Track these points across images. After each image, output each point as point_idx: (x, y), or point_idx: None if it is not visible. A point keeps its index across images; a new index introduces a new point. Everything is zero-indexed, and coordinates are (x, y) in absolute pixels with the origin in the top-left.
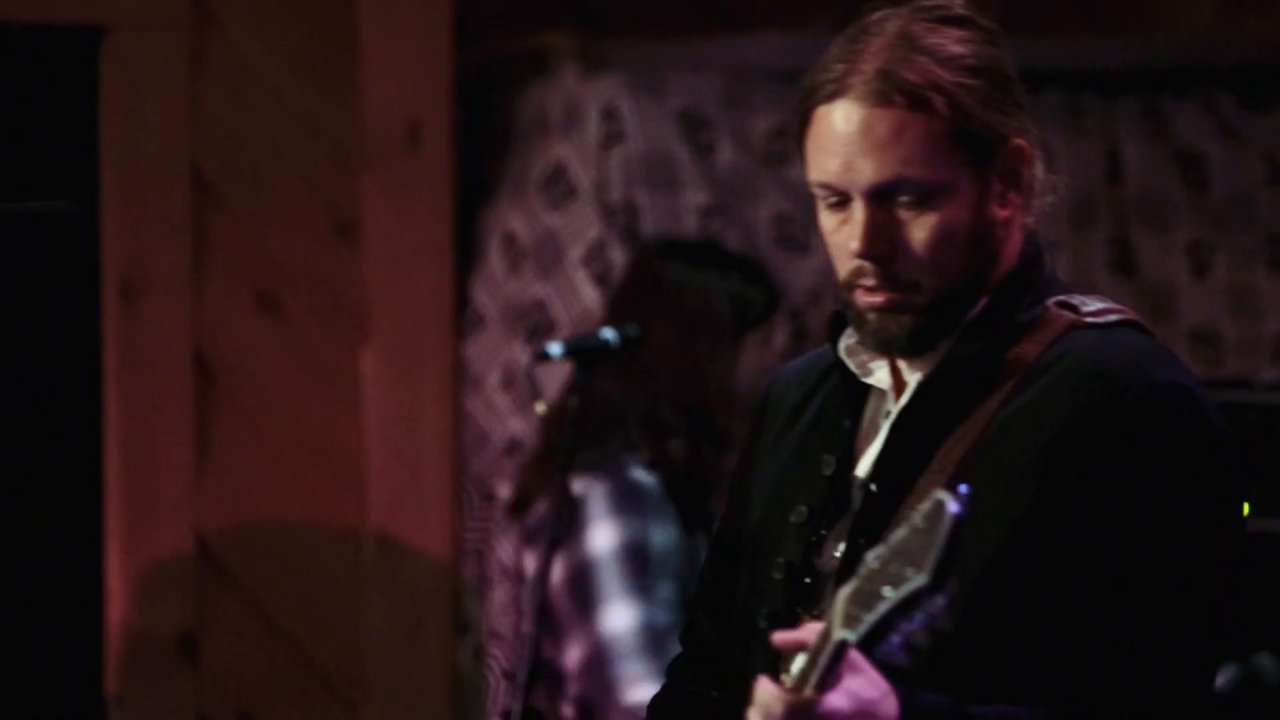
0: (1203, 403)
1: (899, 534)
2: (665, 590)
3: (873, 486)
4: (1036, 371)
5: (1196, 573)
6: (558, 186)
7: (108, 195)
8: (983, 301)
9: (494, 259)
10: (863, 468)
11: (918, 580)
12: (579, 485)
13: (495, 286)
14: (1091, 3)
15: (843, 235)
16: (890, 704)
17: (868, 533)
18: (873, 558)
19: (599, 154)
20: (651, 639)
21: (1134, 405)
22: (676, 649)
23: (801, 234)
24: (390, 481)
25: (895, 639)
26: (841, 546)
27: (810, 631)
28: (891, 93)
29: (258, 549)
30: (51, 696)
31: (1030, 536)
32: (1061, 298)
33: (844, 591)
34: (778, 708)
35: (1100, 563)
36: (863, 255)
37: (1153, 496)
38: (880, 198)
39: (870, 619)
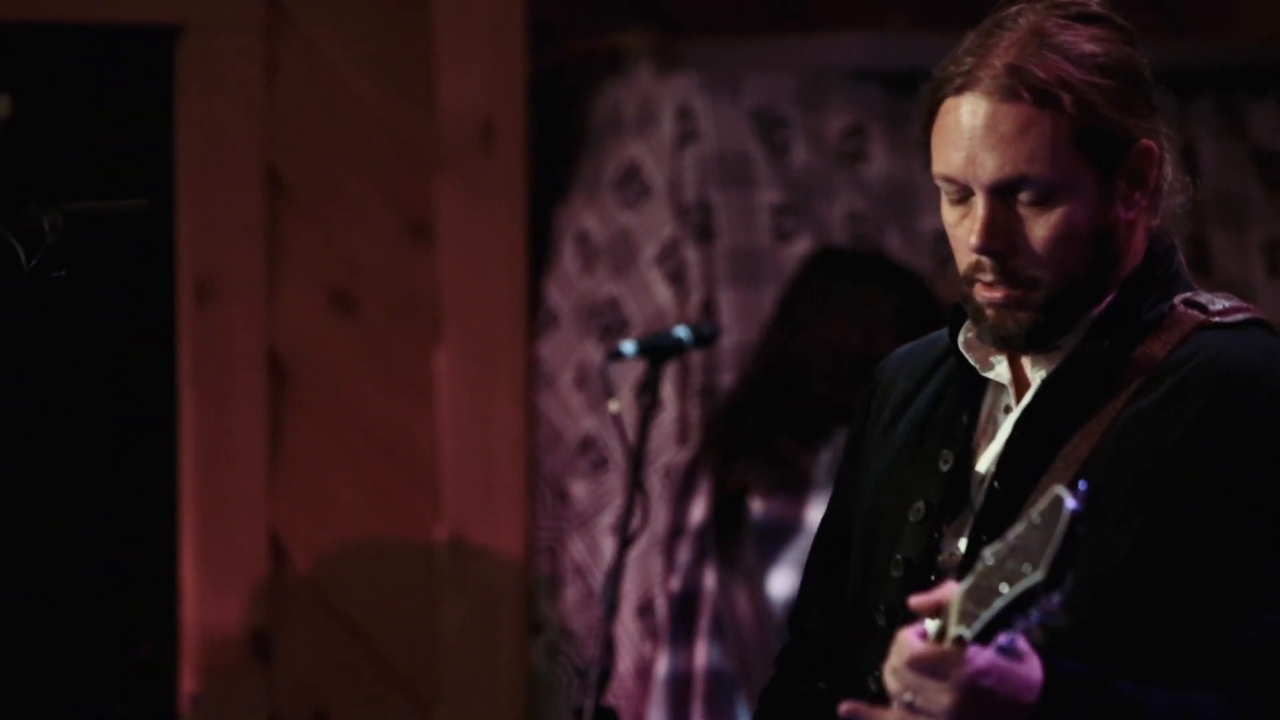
0: None
1: (1016, 530)
2: None
3: (996, 484)
4: (1164, 371)
5: None
6: (632, 185)
7: (183, 195)
8: (1109, 298)
9: (567, 258)
10: (983, 464)
11: (1034, 577)
12: (759, 505)
13: (569, 285)
14: (1168, 2)
15: (964, 229)
16: (1035, 666)
17: (990, 530)
18: (989, 554)
19: (673, 153)
20: None
21: (1264, 408)
22: None
23: (875, 233)
24: (464, 480)
25: (1010, 635)
26: (962, 543)
27: (948, 590)
28: (1020, 88)
29: (331, 548)
30: (127, 696)
31: (1157, 539)
32: (1189, 295)
33: (960, 587)
34: (927, 655)
35: (1228, 567)
36: (981, 250)
37: (1275, 496)
38: (1001, 193)
39: (986, 616)
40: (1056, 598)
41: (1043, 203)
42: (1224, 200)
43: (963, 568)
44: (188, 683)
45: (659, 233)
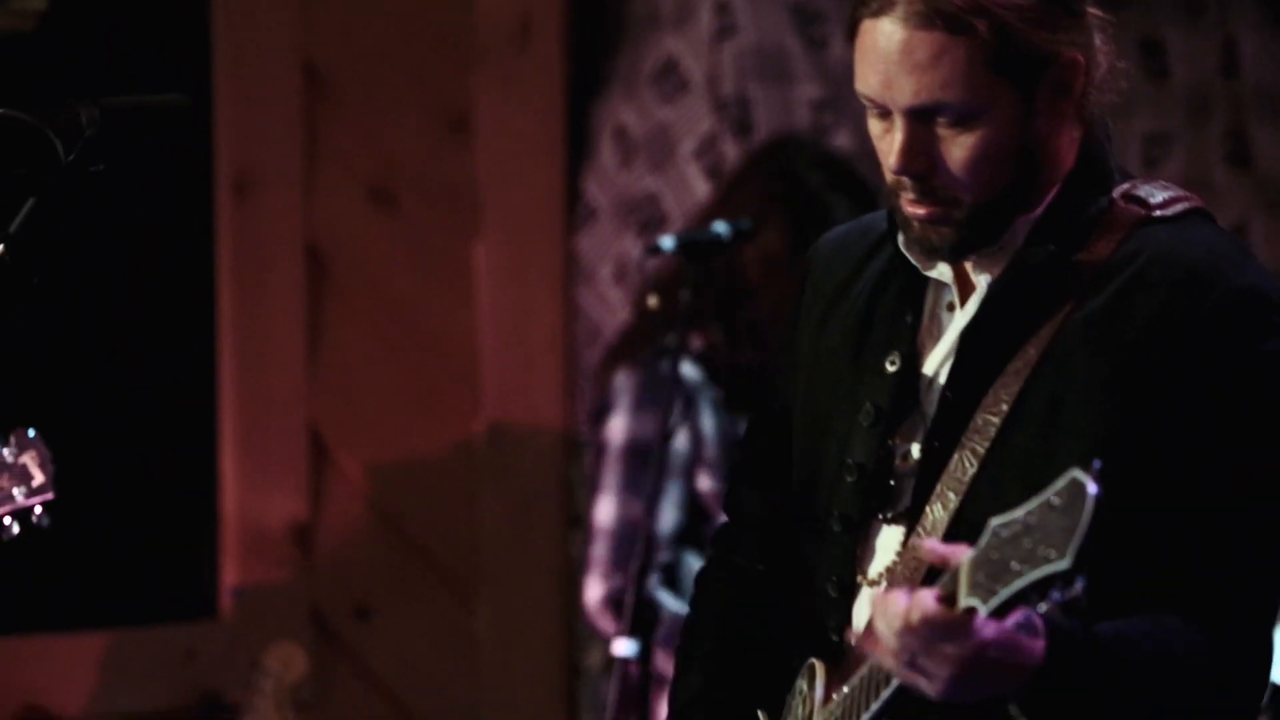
0: None
1: (1029, 507)
2: (674, 492)
3: (948, 393)
4: (1109, 272)
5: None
6: (669, 80)
7: (221, 89)
8: (1045, 201)
9: (605, 153)
10: (930, 365)
11: (1059, 564)
12: (619, 377)
13: (607, 180)
14: None
15: (885, 144)
16: (1039, 639)
17: (943, 437)
18: (1001, 527)
19: (711, 47)
20: (618, 537)
21: (1215, 313)
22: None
23: None
24: (503, 374)
25: (1027, 613)
26: (915, 448)
27: (957, 552)
28: (934, 16)
29: (371, 441)
30: (169, 589)
31: (1113, 448)
32: (1126, 189)
33: (969, 556)
34: (940, 621)
35: (1185, 474)
36: (900, 172)
37: (1237, 405)
38: (919, 117)
39: (1005, 593)
40: (1080, 583)
41: (960, 125)
42: (1265, 94)
43: (921, 474)
44: (229, 576)
45: (697, 127)
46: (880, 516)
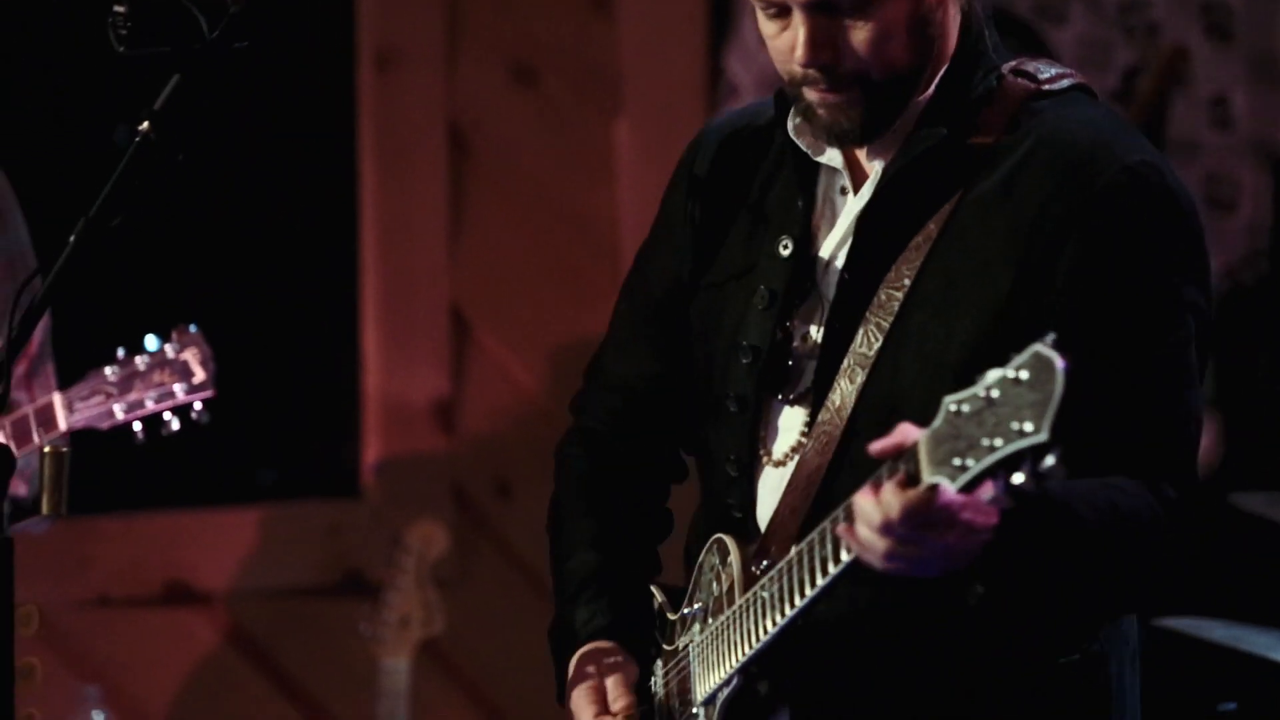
0: (1170, 179)
1: (987, 382)
2: None
3: (846, 275)
4: (1001, 150)
5: (1181, 341)
6: None
7: None
8: (934, 81)
9: (748, 29)
10: (825, 249)
11: (1036, 437)
12: None
13: (749, 57)
14: None
15: (784, 41)
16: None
17: (845, 316)
18: (956, 404)
19: None
20: None
21: (1109, 189)
22: None
23: (1059, 3)
24: None
25: (998, 486)
26: (815, 330)
27: (903, 435)
28: None
29: (511, 319)
30: (312, 466)
31: (1008, 322)
32: (1014, 64)
33: (924, 435)
34: (895, 505)
35: (1086, 344)
36: (808, 65)
37: (1135, 272)
38: (819, 10)
39: (977, 468)
40: (1054, 455)
41: (859, 11)
42: None
43: (823, 355)
44: (371, 454)
45: None
46: (779, 397)
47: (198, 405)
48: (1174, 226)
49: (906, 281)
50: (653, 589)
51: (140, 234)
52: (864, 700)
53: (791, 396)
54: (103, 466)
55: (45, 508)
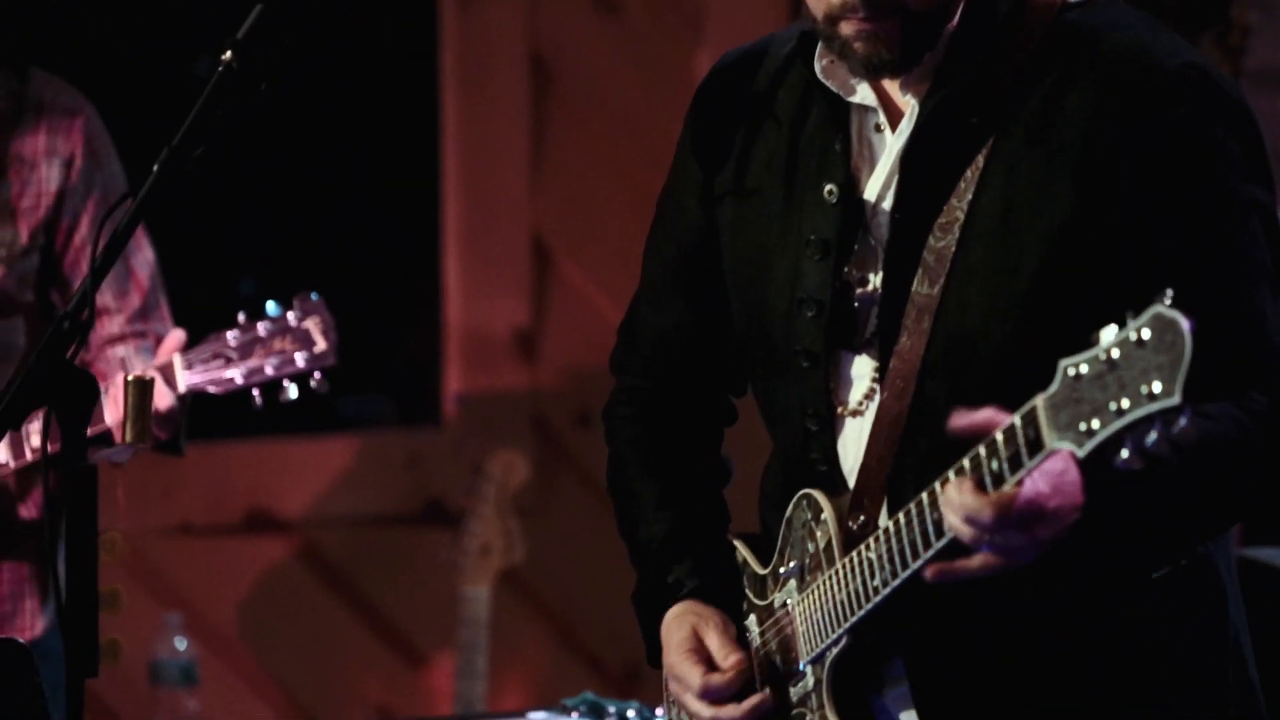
0: (1216, 76)
1: (1108, 344)
2: None
3: (897, 216)
4: (1038, 71)
5: (1248, 241)
6: None
7: None
8: (959, 8)
9: None
10: (870, 191)
11: (1169, 400)
12: None
13: None
14: None
15: None
16: (1070, 470)
17: (901, 260)
18: (1074, 367)
19: None
20: None
21: (1154, 99)
22: None
23: None
24: None
25: (1128, 450)
26: (873, 276)
27: (990, 418)
28: None
29: (594, 249)
30: (394, 396)
31: (1074, 246)
32: None
33: (1043, 400)
34: (986, 512)
35: (1153, 260)
36: None
37: (1192, 178)
38: None
39: (1105, 433)
40: (1186, 416)
41: None
42: None
43: (885, 300)
44: (453, 383)
45: None
46: (847, 347)
47: (317, 375)
48: (1225, 126)
49: (960, 215)
50: (734, 542)
51: (224, 167)
52: (979, 648)
53: (858, 345)
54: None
55: (128, 436)
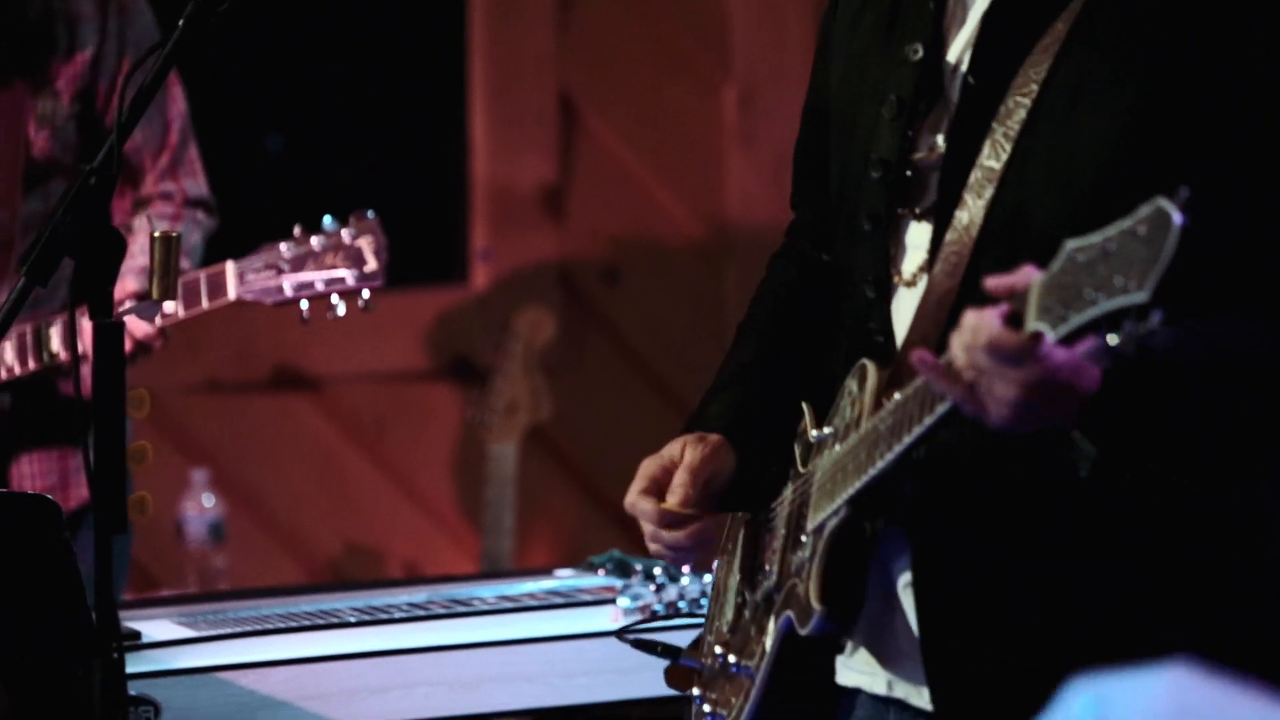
0: None
1: (1111, 233)
2: None
3: (970, 78)
4: None
5: None
6: None
7: None
8: None
9: None
10: (953, 53)
11: (1135, 297)
12: None
13: None
14: None
15: None
16: (1092, 371)
17: (968, 125)
18: (1076, 251)
19: None
20: None
21: None
22: None
23: None
24: (755, 40)
25: (1093, 342)
26: (940, 139)
27: (1026, 276)
28: None
29: (621, 105)
30: (421, 253)
31: (1141, 136)
32: None
33: (1039, 279)
34: (1006, 344)
35: (1233, 158)
36: None
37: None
38: None
39: (1075, 320)
40: (1157, 317)
41: None
42: None
43: (947, 166)
44: (479, 238)
45: None
46: (907, 212)
47: (365, 294)
48: None
49: (1034, 87)
50: (805, 407)
51: (251, 20)
52: (987, 537)
53: (918, 210)
54: (212, 252)
55: (155, 292)
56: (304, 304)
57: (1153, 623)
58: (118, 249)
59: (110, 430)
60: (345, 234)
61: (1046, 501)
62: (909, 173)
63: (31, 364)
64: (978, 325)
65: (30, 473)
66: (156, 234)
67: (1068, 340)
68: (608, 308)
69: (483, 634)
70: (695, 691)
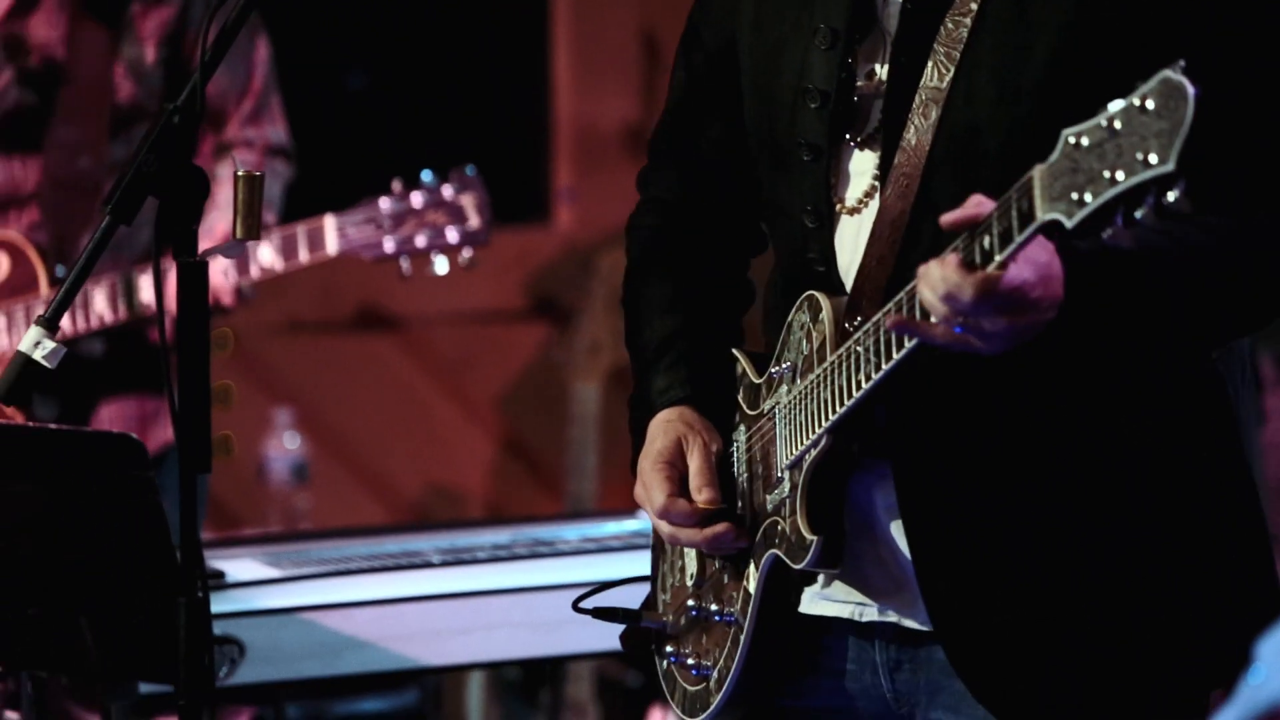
0: None
1: (1113, 112)
2: None
3: (908, 5)
4: None
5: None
6: None
7: None
8: None
9: None
10: None
11: (1162, 168)
12: None
13: None
14: None
15: None
16: (1055, 262)
17: (910, 50)
18: (1075, 136)
19: None
20: None
21: None
22: None
23: None
24: None
25: (1118, 221)
26: (881, 69)
27: (977, 207)
28: None
29: None
30: (503, 193)
31: (1088, 36)
32: None
33: (1041, 168)
34: (967, 290)
35: (1183, 41)
36: None
37: None
38: None
39: (1095, 203)
40: (1181, 187)
41: None
42: None
43: (890, 92)
44: (563, 177)
45: None
46: (849, 140)
47: (467, 252)
48: None
49: (974, 5)
50: (736, 354)
51: None
52: (970, 453)
53: (859, 139)
54: (298, 193)
55: (239, 232)
56: (403, 260)
57: (1144, 541)
58: (201, 187)
59: (194, 369)
60: (447, 190)
61: (1030, 421)
62: (855, 99)
63: (121, 312)
64: (942, 276)
65: (109, 417)
66: (241, 173)
67: (1082, 226)
68: None
69: (566, 575)
70: (668, 649)
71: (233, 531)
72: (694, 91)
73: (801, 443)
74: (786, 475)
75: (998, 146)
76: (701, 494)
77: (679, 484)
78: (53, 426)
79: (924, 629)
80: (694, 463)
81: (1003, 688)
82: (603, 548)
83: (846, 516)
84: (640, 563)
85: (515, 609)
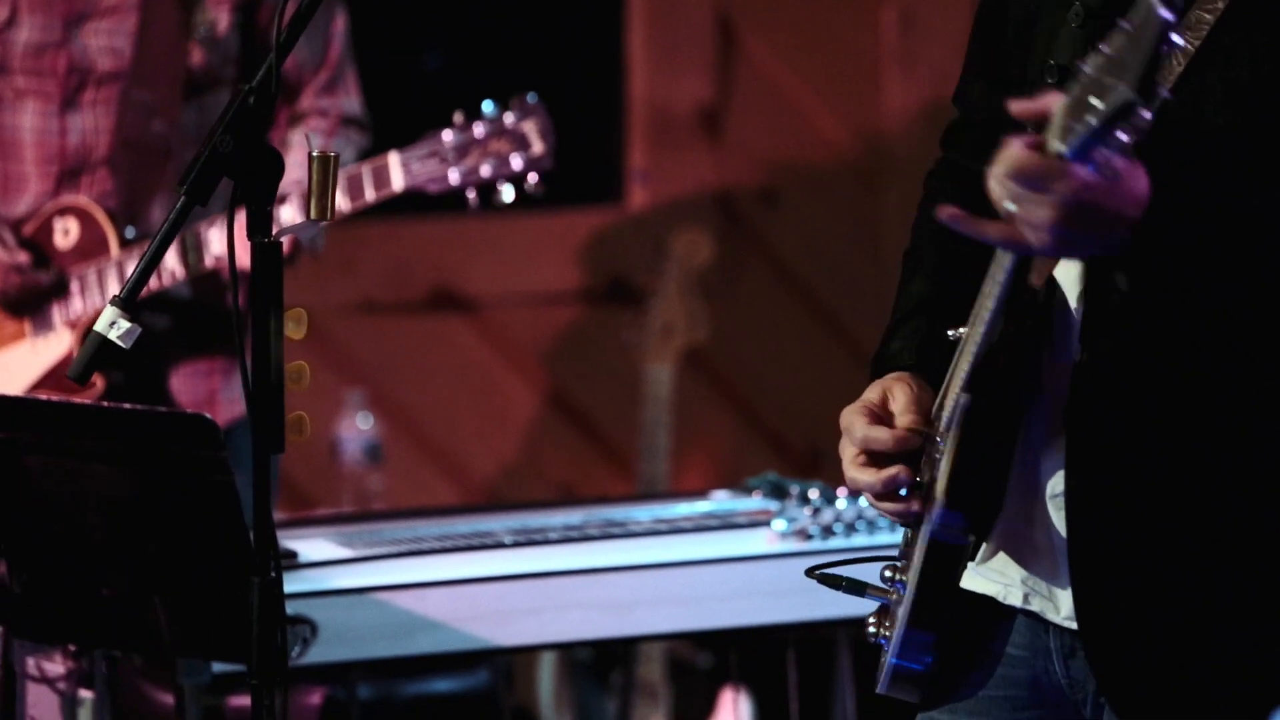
0: None
1: (1112, 39)
2: None
3: None
4: None
5: None
6: None
7: None
8: None
9: None
10: None
11: (1124, 93)
12: None
13: None
14: None
15: None
16: (1141, 179)
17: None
18: (1088, 65)
19: None
20: None
21: None
22: None
23: None
24: None
25: (1107, 152)
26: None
27: (1051, 99)
28: None
29: (779, 27)
30: (578, 173)
31: None
32: None
33: (1063, 101)
34: (1031, 166)
35: None
36: None
37: None
38: None
39: (1082, 132)
40: (1147, 114)
41: None
42: None
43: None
44: (636, 158)
45: None
46: None
47: (533, 177)
48: None
49: (1219, 4)
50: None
51: None
52: (1153, 453)
53: None
54: None
55: (313, 212)
56: (470, 192)
57: None
58: (276, 169)
59: (268, 349)
60: (509, 118)
61: (1213, 418)
62: None
63: (180, 270)
64: (1005, 155)
65: (177, 389)
66: (315, 154)
67: (1085, 154)
68: (766, 229)
69: (638, 556)
70: (884, 624)
71: (306, 512)
72: (978, 53)
73: (948, 405)
74: (943, 439)
75: (1213, 143)
76: (903, 418)
77: (876, 417)
78: (127, 407)
79: (1066, 625)
80: (898, 401)
81: (1139, 704)
82: (674, 529)
83: (1015, 494)
84: (711, 545)
85: (587, 590)
